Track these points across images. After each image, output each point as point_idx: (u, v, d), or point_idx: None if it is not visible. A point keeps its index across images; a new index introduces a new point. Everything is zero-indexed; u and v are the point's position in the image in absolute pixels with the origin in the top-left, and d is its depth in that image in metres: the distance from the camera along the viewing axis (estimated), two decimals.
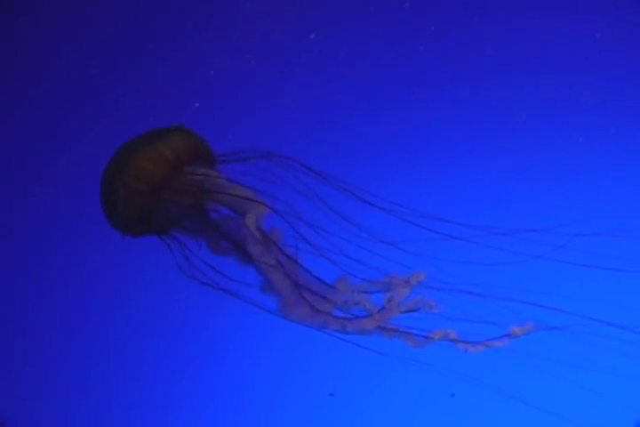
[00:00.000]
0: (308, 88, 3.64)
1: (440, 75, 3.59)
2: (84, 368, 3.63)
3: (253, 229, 2.42)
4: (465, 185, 3.53)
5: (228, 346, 3.61)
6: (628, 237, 2.64)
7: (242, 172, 2.53)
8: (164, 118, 2.70)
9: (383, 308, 2.45)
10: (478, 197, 3.48)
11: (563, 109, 3.55)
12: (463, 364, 2.47)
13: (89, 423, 3.63)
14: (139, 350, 3.62)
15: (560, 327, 2.44)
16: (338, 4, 3.66)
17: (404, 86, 3.61)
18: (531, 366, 2.49)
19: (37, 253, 3.53)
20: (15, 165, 3.59)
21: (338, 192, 2.55)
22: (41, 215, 3.52)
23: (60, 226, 3.49)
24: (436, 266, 2.43)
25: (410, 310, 2.46)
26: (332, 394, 3.04)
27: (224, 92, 3.68)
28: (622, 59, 3.53)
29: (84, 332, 3.58)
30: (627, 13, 3.51)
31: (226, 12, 3.67)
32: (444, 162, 3.58)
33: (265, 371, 3.53)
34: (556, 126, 3.55)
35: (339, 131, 3.61)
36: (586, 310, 2.43)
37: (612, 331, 2.47)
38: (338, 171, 2.59)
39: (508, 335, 2.41)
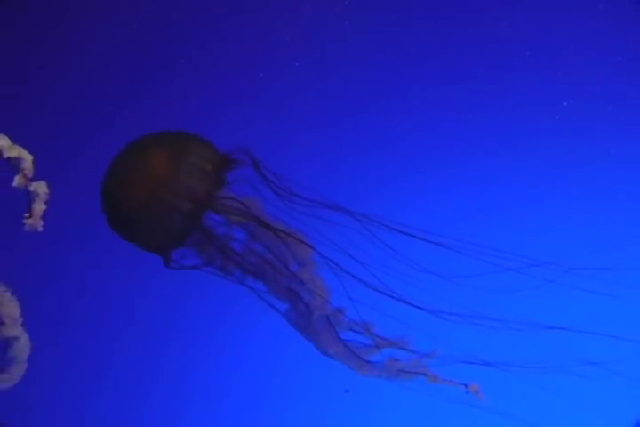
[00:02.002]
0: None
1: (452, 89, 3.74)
2: (86, 368, 3.57)
3: (307, 271, 2.53)
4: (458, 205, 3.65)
5: (244, 342, 3.59)
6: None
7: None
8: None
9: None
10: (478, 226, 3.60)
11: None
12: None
13: (90, 424, 3.56)
14: (150, 348, 3.59)
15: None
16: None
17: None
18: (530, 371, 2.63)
19: (51, 250, 3.50)
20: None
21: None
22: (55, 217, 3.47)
23: (73, 223, 3.47)
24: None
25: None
26: (347, 390, 3.06)
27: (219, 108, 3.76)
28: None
29: (90, 331, 3.52)
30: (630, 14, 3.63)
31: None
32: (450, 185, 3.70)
33: (281, 366, 3.53)
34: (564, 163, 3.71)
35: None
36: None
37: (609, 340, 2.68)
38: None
39: (466, 386, 2.60)
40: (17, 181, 2.45)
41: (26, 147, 2.41)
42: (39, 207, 2.43)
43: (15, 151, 2.44)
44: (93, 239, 3.46)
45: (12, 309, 2.61)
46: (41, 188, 2.45)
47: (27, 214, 2.45)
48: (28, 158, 2.43)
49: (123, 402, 3.58)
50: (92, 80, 3.66)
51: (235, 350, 3.60)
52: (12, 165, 2.44)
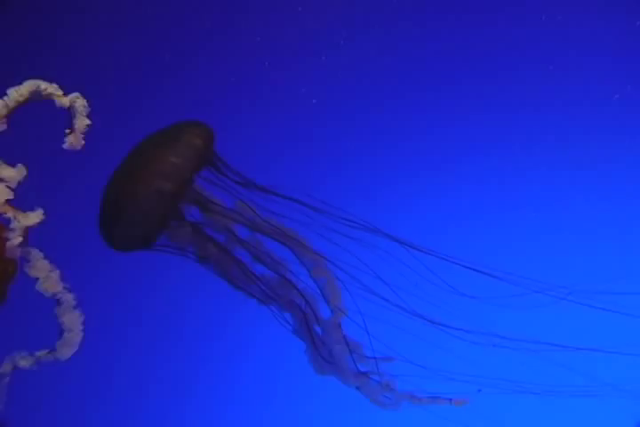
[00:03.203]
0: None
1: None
2: (87, 368, 3.38)
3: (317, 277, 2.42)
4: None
5: (250, 341, 3.51)
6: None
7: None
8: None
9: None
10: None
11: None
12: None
13: (91, 424, 3.45)
14: (151, 349, 3.48)
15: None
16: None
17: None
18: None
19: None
20: None
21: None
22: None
23: (76, 225, 3.11)
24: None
25: None
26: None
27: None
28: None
29: (90, 330, 3.22)
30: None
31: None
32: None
33: (289, 363, 3.43)
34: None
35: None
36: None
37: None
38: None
39: (450, 400, 2.57)
40: (58, 103, 2.03)
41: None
42: (81, 122, 1.98)
43: (23, 90, 2.02)
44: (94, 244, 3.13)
45: (43, 267, 2.19)
46: (78, 100, 2.00)
47: (67, 130, 2.03)
48: (38, 85, 1.99)
49: (123, 403, 3.49)
50: None
51: (242, 348, 3.53)
52: (41, 99, 2.02)
